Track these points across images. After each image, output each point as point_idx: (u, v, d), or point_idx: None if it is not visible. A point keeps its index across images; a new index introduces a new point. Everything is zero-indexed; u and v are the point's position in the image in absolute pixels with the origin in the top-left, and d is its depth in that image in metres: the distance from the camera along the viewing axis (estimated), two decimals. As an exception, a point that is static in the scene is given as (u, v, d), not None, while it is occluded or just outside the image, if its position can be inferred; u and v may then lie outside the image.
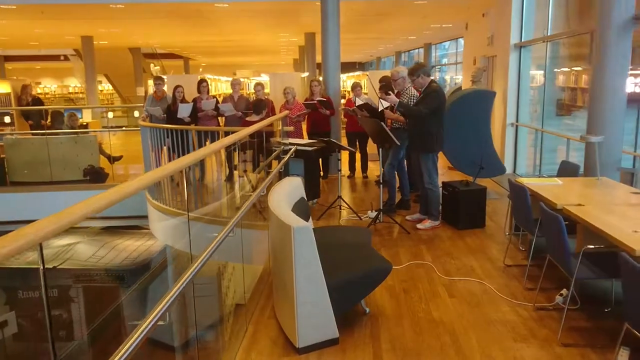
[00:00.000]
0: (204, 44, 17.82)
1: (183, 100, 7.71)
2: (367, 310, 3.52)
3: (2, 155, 8.62)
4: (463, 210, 5.35)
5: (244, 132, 3.99)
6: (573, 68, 8.02)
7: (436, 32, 15.10)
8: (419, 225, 5.46)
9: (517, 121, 8.23)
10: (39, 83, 31.58)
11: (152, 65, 14.54)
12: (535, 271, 4.16)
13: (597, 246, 3.14)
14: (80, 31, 12.92)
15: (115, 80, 22.20)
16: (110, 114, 15.96)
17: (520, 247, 4.77)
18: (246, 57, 26.91)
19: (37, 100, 10.59)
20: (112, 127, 14.53)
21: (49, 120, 10.81)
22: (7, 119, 12.29)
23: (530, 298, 3.70)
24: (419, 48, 21.12)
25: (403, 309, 3.60)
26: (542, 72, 8.05)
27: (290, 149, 5.68)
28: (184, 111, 7.50)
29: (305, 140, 6.49)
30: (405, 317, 3.48)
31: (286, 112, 6.38)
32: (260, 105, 6.22)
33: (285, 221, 2.94)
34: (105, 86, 27.02)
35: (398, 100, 5.28)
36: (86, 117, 13.19)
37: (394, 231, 5.39)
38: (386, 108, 5.60)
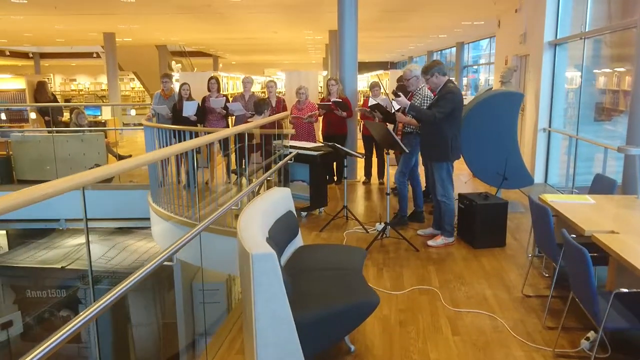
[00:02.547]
0: (228, 41, 17.54)
1: (189, 99, 7.34)
2: (352, 348, 3.00)
3: (10, 153, 8.46)
4: (480, 226, 4.75)
5: (224, 132, 3.53)
6: (615, 69, 7.25)
7: (468, 30, 14.33)
8: (430, 242, 4.89)
9: (549, 126, 7.51)
10: (74, 80, 32.16)
11: (173, 62, 14.30)
12: (559, 304, 3.56)
13: (632, 290, 2.53)
14: (101, 27, 12.79)
15: (144, 78, 22.20)
16: (133, 112, 15.84)
17: (544, 273, 4.15)
18: (275, 55, 26.60)
19: (54, 97, 10.44)
20: (134, 124, 14.36)
21: (65, 117, 10.68)
22: (32, 115, 12.22)
23: (550, 340, 3.10)
24: (451, 47, 20.31)
25: (396, 347, 3.06)
26: (579, 72, 7.31)
27: (291, 153, 5.21)
28: (189, 109, 7.15)
29: (310, 144, 5.99)
30: (397, 358, 2.95)
31: (285, 113, 5.89)
32: (261, 105, 5.75)
33: (245, 245, 2.45)
34: (137, 84, 27.21)
35: (409, 102, 4.72)
36: (105, 114, 13.03)
37: (401, 247, 4.83)
38: (398, 110, 5.06)
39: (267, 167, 5.49)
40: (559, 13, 7.30)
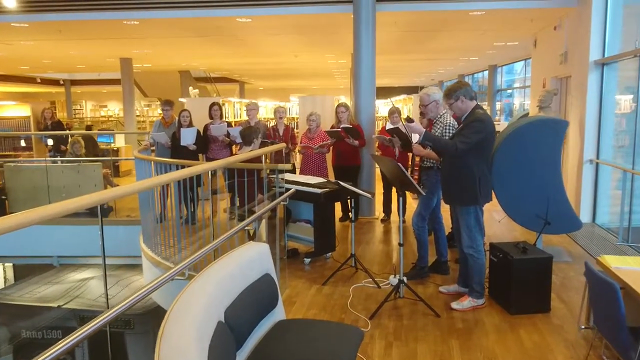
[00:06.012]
0: (250, 66, 17.09)
1: (189, 126, 6.70)
2: None
3: (3, 183, 7.96)
4: (517, 286, 3.80)
5: (193, 169, 2.78)
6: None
7: (501, 52, 13.41)
8: (454, 305, 3.95)
9: (597, 158, 6.50)
10: (105, 106, 32.60)
11: (190, 88, 13.92)
12: (630, 412, 2.58)
13: None
14: (117, 53, 12.45)
15: (168, 104, 22.02)
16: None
17: (604, 356, 3.17)
18: (302, 80, 26.13)
19: (58, 124, 9.98)
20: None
21: (68, 145, 10.21)
22: (50, 142, 11.83)
23: None
24: (483, 71, 19.35)
25: None
26: (631, 95, 6.33)
27: (288, 192, 4.40)
28: (187, 137, 6.50)
29: (315, 179, 5.18)
30: None
31: (282, 144, 5.11)
32: (249, 135, 4.96)
33: (158, 354, 1.63)
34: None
35: (424, 130, 3.86)
36: (119, 142, 12.57)
37: (418, 310, 3.92)
38: (417, 142, 4.21)
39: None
40: (607, 28, 6.36)
